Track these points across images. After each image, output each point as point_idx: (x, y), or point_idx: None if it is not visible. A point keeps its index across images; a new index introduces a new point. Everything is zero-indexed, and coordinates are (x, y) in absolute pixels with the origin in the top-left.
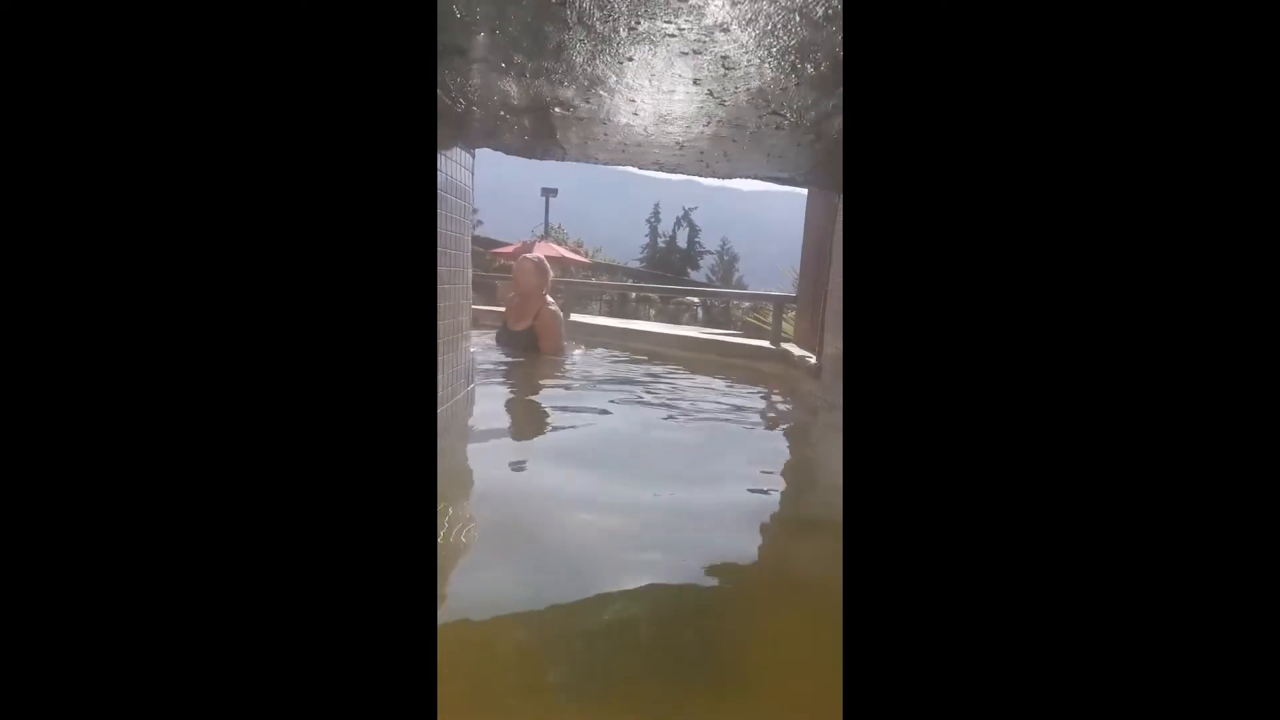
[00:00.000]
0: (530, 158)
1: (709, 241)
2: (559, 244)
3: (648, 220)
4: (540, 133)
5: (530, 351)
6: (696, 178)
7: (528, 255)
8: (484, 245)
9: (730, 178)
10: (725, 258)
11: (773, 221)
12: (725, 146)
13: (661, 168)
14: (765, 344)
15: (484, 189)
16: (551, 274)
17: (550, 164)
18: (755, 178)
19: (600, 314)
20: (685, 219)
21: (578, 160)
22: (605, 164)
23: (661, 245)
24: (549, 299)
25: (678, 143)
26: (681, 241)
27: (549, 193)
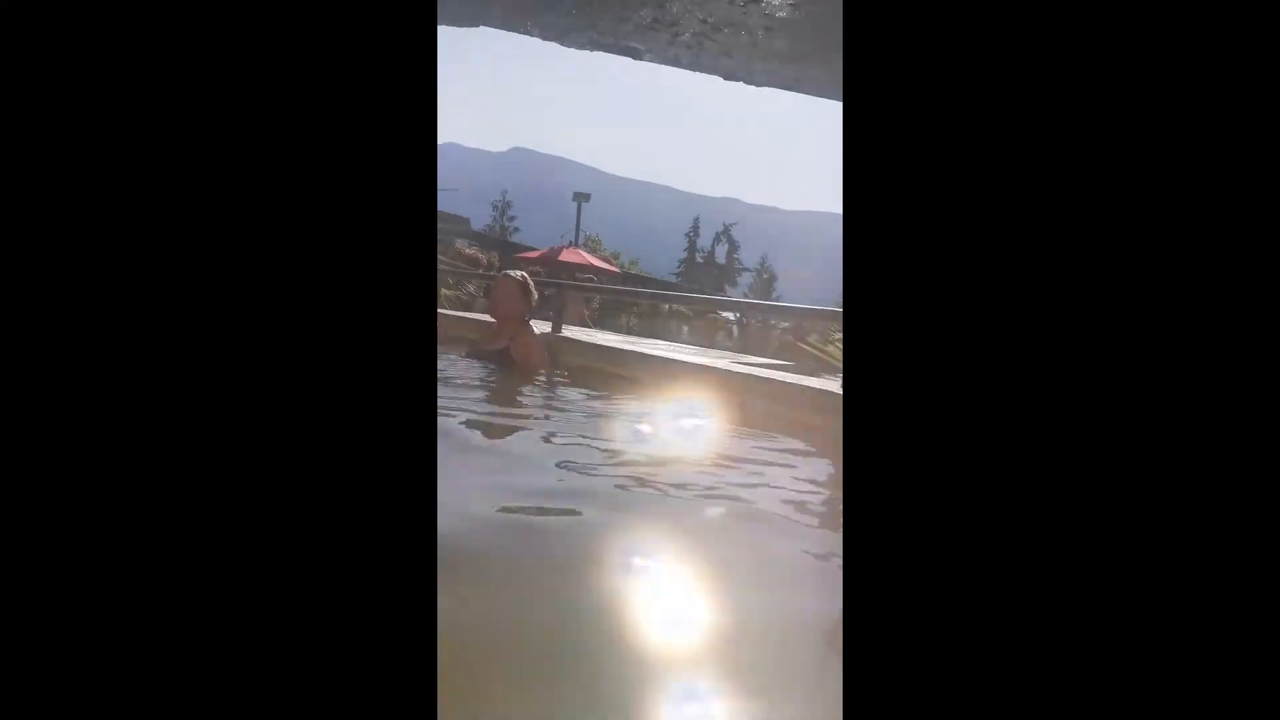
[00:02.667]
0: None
1: (748, 259)
2: (589, 252)
3: (686, 234)
4: None
5: (506, 365)
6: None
7: (509, 273)
8: (511, 249)
9: (738, 77)
10: (764, 276)
11: (814, 244)
12: None
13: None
14: (833, 386)
15: (521, 193)
16: (535, 296)
17: (588, 173)
18: (775, 80)
19: (632, 329)
20: (725, 234)
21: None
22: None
23: (699, 261)
24: (529, 323)
25: None
26: (720, 257)
27: (581, 197)
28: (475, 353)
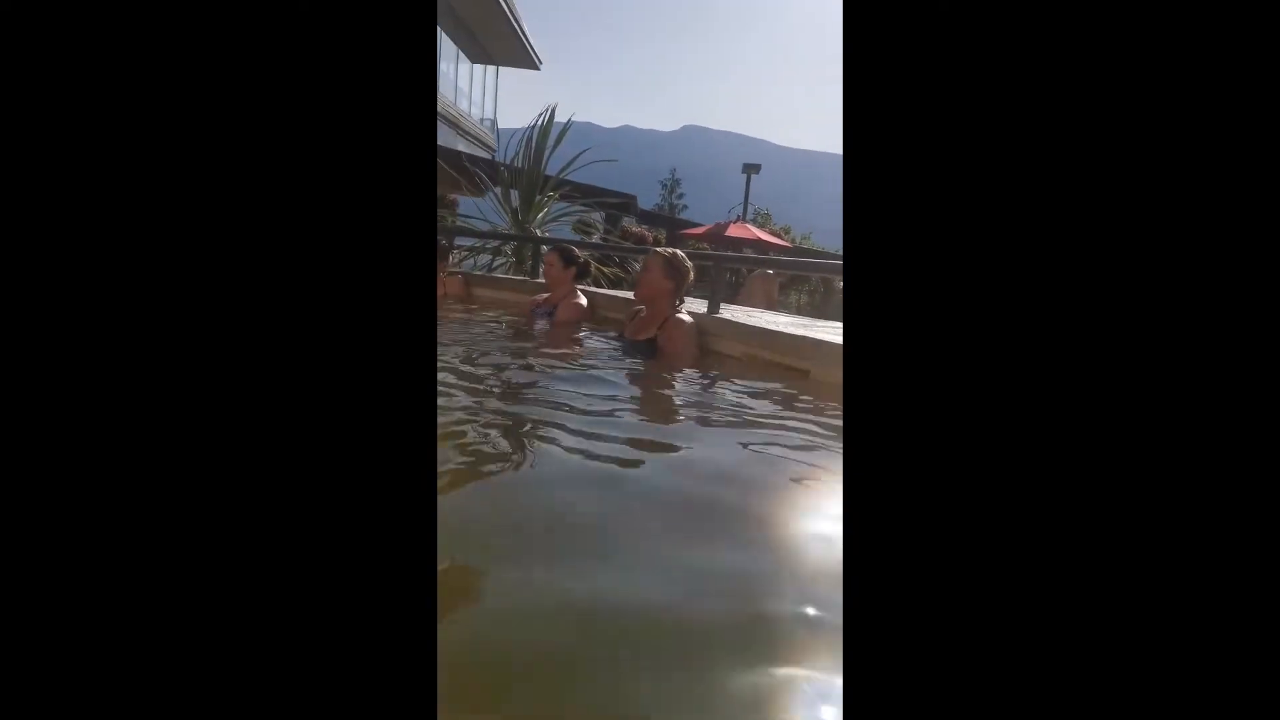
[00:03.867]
0: None
1: None
2: (758, 227)
3: None
4: None
5: (651, 358)
6: None
7: (657, 249)
8: (677, 226)
9: None
10: None
11: None
12: None
13: None
14: None
15: (691, 170)
16: (691, 275)
17: (759, 145)
18: None
19: (802, 309)
20: None
21: None
22: None
23: None
24: (680, 307)
25: None
26: None
27: (751, 169)
28: (623, 341)
